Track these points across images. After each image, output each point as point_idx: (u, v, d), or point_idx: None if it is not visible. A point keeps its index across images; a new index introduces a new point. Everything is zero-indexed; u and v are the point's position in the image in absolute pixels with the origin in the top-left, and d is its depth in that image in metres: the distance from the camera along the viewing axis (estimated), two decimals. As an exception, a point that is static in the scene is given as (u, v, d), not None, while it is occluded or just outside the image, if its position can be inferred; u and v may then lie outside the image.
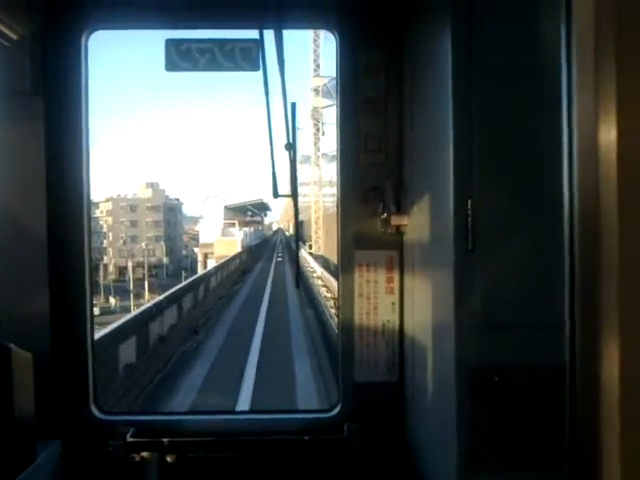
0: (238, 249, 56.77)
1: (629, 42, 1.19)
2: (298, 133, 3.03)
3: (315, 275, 36.09)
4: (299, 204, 3.19)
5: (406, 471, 2.83)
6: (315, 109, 63.49)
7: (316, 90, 62.55)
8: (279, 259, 60.92)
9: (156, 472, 2.81)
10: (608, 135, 1.20)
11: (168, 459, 2.83)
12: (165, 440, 2.83)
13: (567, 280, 1.34)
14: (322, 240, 61.83)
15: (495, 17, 2.14)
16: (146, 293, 60.41)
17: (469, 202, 2.09)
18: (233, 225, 69.90)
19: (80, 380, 2.90)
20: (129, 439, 2.81)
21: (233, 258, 47.09)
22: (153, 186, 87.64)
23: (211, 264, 48.86)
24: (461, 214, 2.11)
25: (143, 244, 75.35)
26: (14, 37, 2.65)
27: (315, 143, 66.97)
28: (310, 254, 50.73)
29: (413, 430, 2.88)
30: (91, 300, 2.94)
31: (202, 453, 2.87)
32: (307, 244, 58.37)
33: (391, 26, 2.87)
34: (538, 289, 2.13)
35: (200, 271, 50.51)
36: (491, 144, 2.12)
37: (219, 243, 62.25)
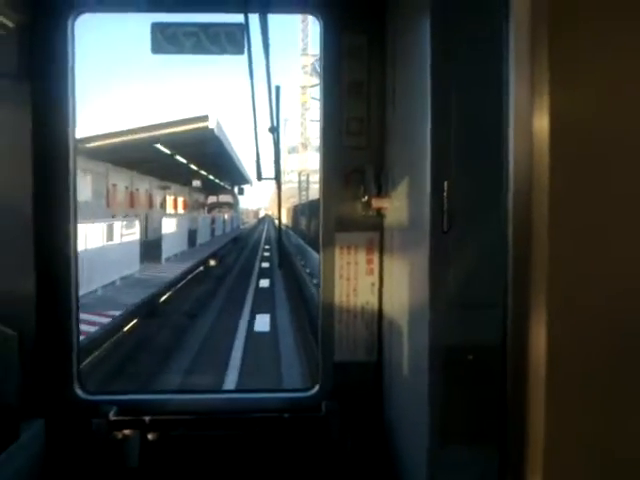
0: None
1: (561, 41, 1.34)
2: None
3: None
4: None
5: (382, 449, 2.90)
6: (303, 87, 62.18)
7: (304, 68, 61.70)
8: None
9: (138, 449, 2.85)
10: (541, 121, 1.33)
11: (150, 437, 2.87)
12: (147, 418, 2.87)
13: (508, 264, 1.46)
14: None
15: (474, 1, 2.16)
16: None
17: (445, 184, 2.12)
18: None
19: (64, 360, 2.92)
20: (111, 417, 2.84)
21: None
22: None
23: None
24: (438, 196, 2.14)
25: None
26: (1, 20, 2.63)
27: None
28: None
29: (390, 409, 2.94)
30: (76, 281, 2.95)
31: (184, 431, 2.91)
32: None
33: (374, 10, 2.91)
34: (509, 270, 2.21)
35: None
36: (469, 127, 2.16)
37: None
